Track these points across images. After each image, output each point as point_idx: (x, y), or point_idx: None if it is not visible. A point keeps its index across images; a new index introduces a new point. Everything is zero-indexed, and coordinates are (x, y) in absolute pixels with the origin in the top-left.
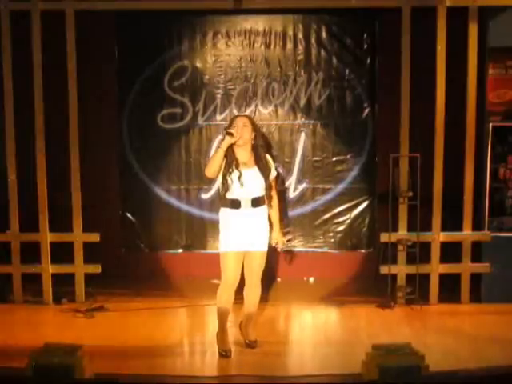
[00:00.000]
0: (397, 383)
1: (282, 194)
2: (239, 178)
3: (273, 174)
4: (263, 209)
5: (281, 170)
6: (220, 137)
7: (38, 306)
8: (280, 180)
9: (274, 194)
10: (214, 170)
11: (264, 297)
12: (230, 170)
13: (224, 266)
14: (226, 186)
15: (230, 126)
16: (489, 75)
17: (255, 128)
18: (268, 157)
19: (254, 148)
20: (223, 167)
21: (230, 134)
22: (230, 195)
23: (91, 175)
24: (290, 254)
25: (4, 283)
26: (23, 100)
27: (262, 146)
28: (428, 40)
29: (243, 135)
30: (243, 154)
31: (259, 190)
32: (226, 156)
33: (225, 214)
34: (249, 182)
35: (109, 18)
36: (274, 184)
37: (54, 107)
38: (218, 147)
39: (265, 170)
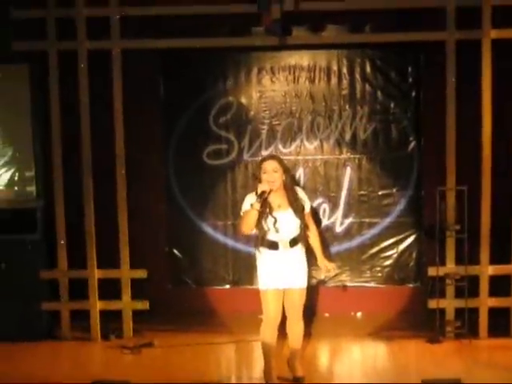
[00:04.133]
0: None
1: (328, 229)
2: (275, 223)
3: (307, 209)
4: (300, 246)
5: (326, 205)
6: (251, 195)
7: (86, 343)
8: (326, 215)
9: (310, 223)
10: (250, 228)
11: (312, 332)
12: (265, 216)
13: (265, 304)
14: (262, 232)
15: (258, 170)
16: None
17: (285, 169)
18: (300, 192)
19: (286, 189)
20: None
21: (263, 193)
22: (267, 237)
23: (138, 211)
24: (337, 288)
25: (53, 320)
26: (70, 139)
27: (293, 186)
28: (474, 72)
29: (275, 182)
30: (276, 197)
31: (295, 230)
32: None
33: (263, 254)
34: (285, 225)
35: (154, 56)
36: (309, 217)
37: (100, 145)
38: (252, 206)
39: (299, 210)
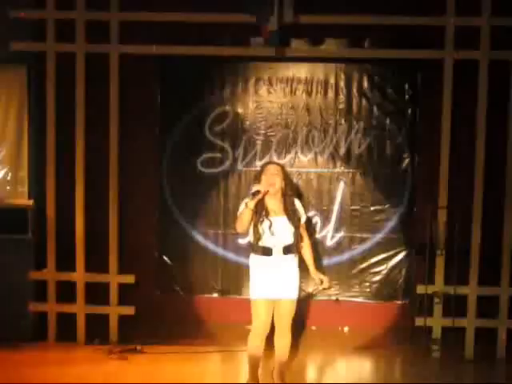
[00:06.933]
0: None
1: (319, 242)
2: (270, 227)
3: (302, 220)
4: (293, 256)
5: (318, 218)
6: (250, 190)
7: (71, 346)
8: (317, 228)
9: (304, 235)
10: (244, 227)
11: (298, 345)
12: (261, 219)
13: (255, 313)
14: (257, 236)
15: (260, 173)
16: None
17: (286, 177)
18: (297, 203)
19: (284, 196)
20: (254, 217)
21: (257, 193)
22: (261, 243)
23: (129, 216)
24: (325, 302)
25: (39, 321)
26: (64, 142)
27: (292, 195)
28: (470, 91)
29: (274, 184)
30: (273, 202)
31: (289, 237)
32: (256, 205)
33: (255, 261)
34: (279, 230)
35: (151, 62)
36: (303, 229)
37: (94, 149)
38: (246, 205)
39: (294, 218)
